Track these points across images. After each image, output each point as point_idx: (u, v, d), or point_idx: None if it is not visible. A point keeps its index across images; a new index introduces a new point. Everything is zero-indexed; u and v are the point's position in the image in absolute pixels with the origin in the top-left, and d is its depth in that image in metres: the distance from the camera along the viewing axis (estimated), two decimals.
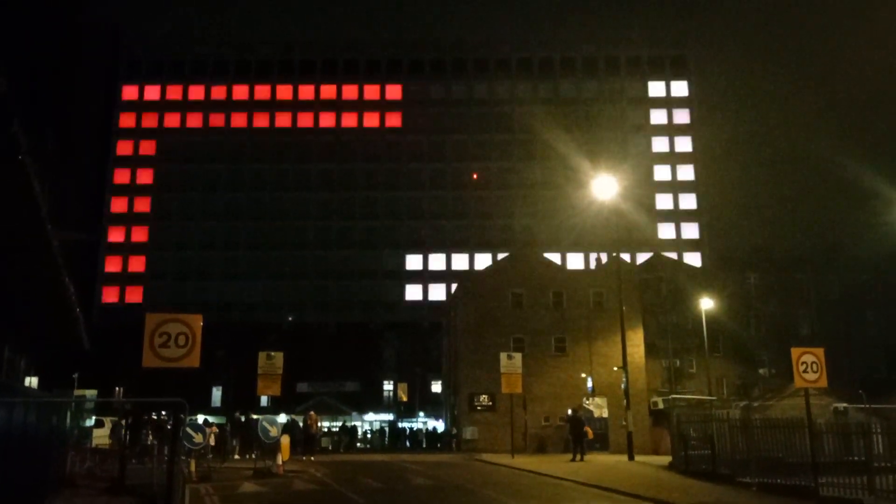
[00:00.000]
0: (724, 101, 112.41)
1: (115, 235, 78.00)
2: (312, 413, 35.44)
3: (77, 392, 35.42)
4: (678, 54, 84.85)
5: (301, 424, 34.64)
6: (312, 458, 30.61)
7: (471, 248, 77.95)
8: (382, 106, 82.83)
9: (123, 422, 29.17)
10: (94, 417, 33.46)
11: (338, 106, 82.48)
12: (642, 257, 63.42)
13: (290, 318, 71.36)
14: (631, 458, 28.25)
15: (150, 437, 28.83)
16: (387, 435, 55.26)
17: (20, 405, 11.49)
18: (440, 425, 58.36)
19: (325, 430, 54.51)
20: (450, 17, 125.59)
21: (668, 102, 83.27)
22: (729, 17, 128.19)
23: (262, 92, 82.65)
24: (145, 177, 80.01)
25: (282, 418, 36.75)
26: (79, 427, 28.35)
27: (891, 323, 55.24)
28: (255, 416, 32.86)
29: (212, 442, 27.77)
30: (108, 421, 32.81)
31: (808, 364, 16.91)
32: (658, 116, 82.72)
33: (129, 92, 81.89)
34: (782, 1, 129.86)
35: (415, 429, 59.63)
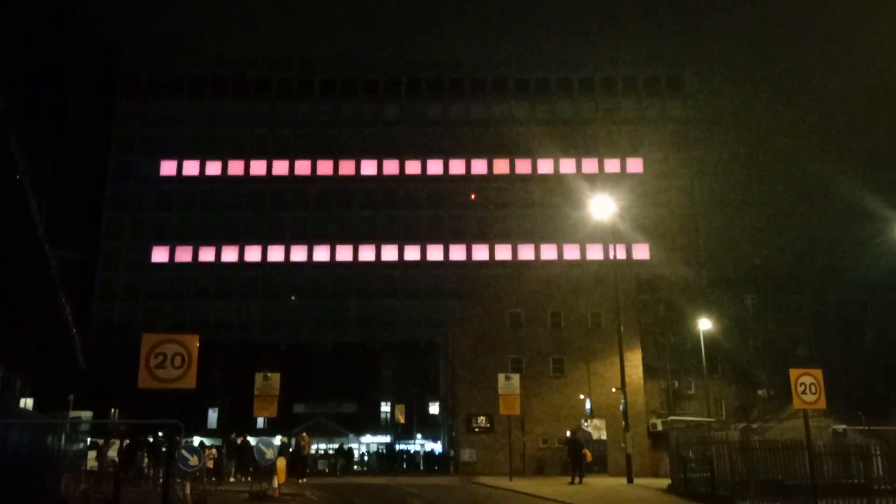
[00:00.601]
0: (720, 121, 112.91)
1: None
2: (305, 435, 35.25)
3: (72, 413, 35.16)
4: (673, 75, 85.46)
5: (292, 447, 34.39)
6: (304, 481, 30.36)
7: (469, 268, 77.87)
8: (381, 126, 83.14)
9: (117, 443, 28.93)
10: (89, 439, 33.21)
11: (336, 125, 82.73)
12: (640, 277, 63.31)
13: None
14: (630, 480, 28.05)
15: (146, 460, 28.60)
16: (384, 457, 54.89)
17: (15, 426, 11.40)
18: (438, 447, 58.00)
19: (322, 452, 54.21)
20: (447, 39, 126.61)
21: (664, 122, 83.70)
22: (724, 38, 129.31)
23: (261, 112, 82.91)
24: (144, 195, 79.99)
25: (278, 440, 36.50)
26: (73, 449, 28.11)
27: (888, 342, 55.15)
28: (250, 438, 32.65)
29: (210, 465, 27.52)
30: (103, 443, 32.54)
31: (807, 385, 16.87)
32: (654, 136, 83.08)
33: (127, 110, 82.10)
34: (778, 21, 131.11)
35: (412, 451, 59.24)
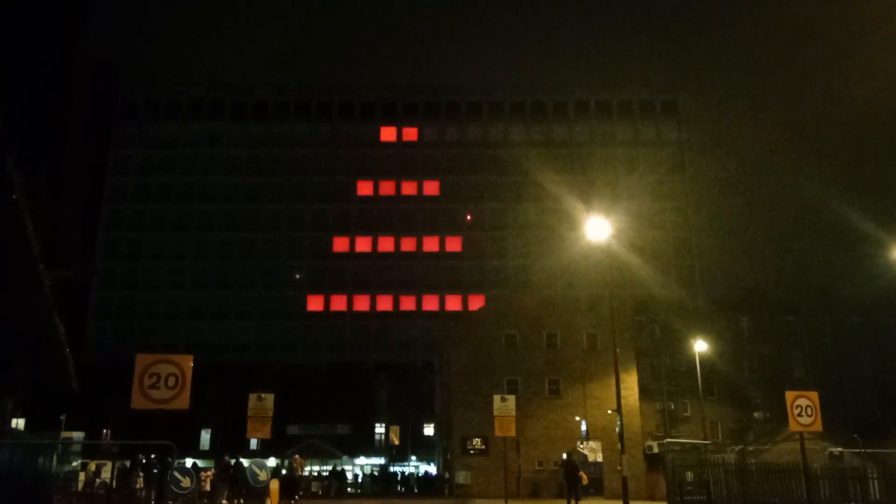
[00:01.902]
0: (714, 144, 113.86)
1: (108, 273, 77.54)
2: (297, 456, 34.99)
3: (64, 434, 34.87)
4: (668, 99, 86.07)
5: (284, 468, 34.08)
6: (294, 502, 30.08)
7: (464, 289, 77.84)
8: (377, 147, 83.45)
9: (92, 465, 28.64)
10: (80, 460, 32.88)
11: (333, 147, 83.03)
12: (635, 299, 63.29)
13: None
14: (626, 503, 27.83)
15: (140, 481, 28.33)
16: (378, 479, 54.44)
17: (6, 446, 11.31)
18: (432, 469, 57.61)
19: (315, 474, 53.77)
20: (444, 63, 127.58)
21: (659, 146, 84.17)
22: (718, 61, 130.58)
23: (259, 133, 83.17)
24: (140, 215, 79.95)
25: (271, 462, 36.25)
26: (65, 470, 27.81)
27: (884, 365, 55.17)
28: (243, 460, 32.37)
29: (207, 487, 27.29)
30: (93, 464, 32.26)
31: (803, 408, 16.84)
32: (648, 159, 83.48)
33: (126, 131, 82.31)
34: (772, 46, 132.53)
35: (406, 473, 58.76)
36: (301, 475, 35.91)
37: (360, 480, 56.56)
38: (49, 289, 12.64)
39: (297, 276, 78.57)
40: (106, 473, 31.05)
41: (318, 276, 78.95)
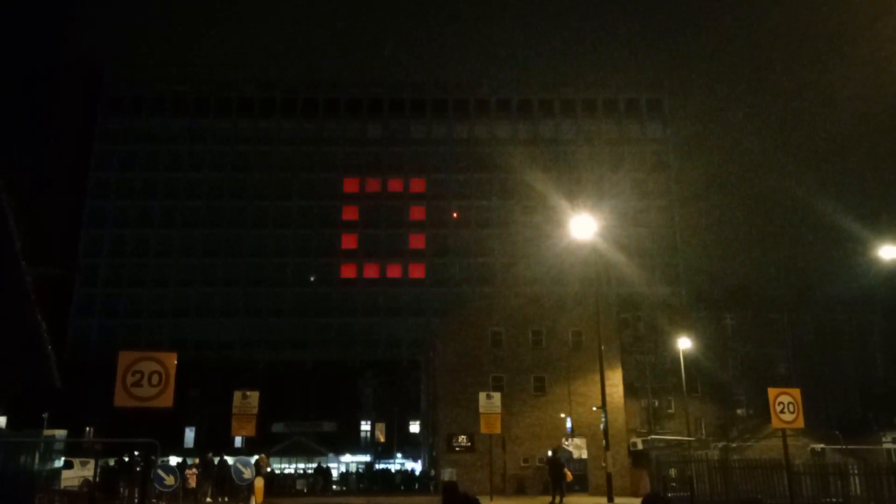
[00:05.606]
0: (699, 143, 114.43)
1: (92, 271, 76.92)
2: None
3: (47, 432, 34.57)
4: (653, 97, 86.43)
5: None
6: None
7: (451, 286, 77.88)
8: (363, 144, 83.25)
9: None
10: (63, 458, 32.59)
11: (318, 144, 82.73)
12: (620, 296, 63.59)
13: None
14: (610, 499, 27.97)
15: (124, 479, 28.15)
16: (363, 476, 54.41)
17: None
18: (418, 466, 57.65)
19: (301, 471, 53.69)
20: (430, 60, 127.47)
21: (644, 144, 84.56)
22: (704, 61, 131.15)
23: (244, 130, 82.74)
24: (124, 212, 79.34)
25: (254, 460, 36.03)
26: (47, 468, 27.55)
27: (866, 362, 55.75)
28: (227, 457, 32.24)
29: (193, 484, 27.19)
30: (77, 462, 32.01)
31: (785, 405, 16.99)
32: (634, 157, 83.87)
33: (110, 127, 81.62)
34: (757, 43, 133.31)
35: (392, 470, 58.77)
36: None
37: (345, 478, 56.51)
38: (31, 285, 12.51)
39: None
40: (89, 472, 30.83)
41: (305, 272, 78.71)
